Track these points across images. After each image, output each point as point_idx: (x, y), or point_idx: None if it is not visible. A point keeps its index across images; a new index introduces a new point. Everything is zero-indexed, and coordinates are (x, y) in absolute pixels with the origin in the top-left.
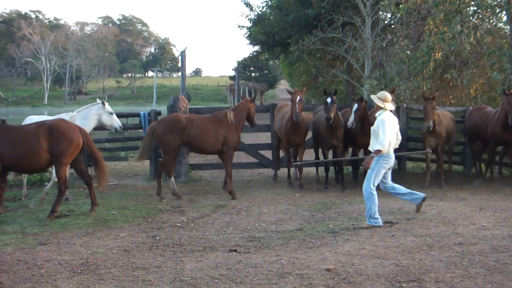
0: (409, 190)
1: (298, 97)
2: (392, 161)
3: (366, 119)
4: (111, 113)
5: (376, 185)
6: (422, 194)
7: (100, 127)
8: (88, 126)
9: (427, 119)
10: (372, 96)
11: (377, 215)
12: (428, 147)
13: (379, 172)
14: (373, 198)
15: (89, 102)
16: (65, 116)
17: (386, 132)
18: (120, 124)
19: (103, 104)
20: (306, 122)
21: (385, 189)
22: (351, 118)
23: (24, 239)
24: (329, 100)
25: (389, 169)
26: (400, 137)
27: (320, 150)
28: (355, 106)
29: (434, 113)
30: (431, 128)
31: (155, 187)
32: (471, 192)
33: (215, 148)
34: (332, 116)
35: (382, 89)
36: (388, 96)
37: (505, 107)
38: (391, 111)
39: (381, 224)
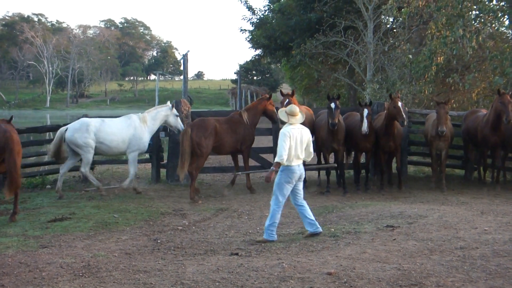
0: (313, 218)
1: (287, 100)
2: (295, 175)
3: (370, 124)
4: (177, 116)
5: (282, 200)
6: (319, 229)
7: None
8: (155, 126)
9: (440, 124)
10: (280, 110)
11: (272, 229)
12: (435, 151)
13: (283, 187)
14: (274, 214)
15: (90, 105)
16: (135, 116)
17: (284, 146)
18: (183, 126)
19: (172, 106)
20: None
21: (294, 204)
22: (365, 124)
23: (25, 241)
24: (333, 105)
25: (298, 182)
26: (311, 151)
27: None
28: (366, 111)
29: (447, 117)
30: (444, 133)
31: (157, 190)
32: (472, 196)
33: (235, 148)
34: (336, 122)
35: (390, 92)
36: (295, 110)
37: (499, 106)
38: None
39: (275, 239)
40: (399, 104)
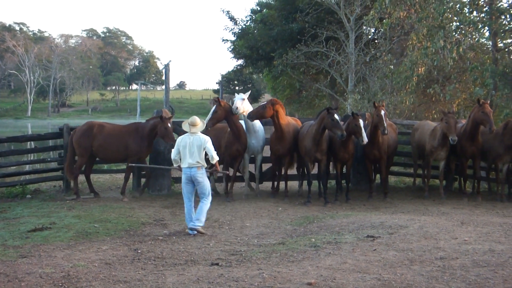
0: (197, 217)
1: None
2: (185, 176)
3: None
4: None
5: (184, 198)
6: (200, 225)
7: None
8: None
9: (451, 133)
10: (183, 122)
11: (187, 222)
12: (435, 160)
13: (183, 186)
14: (186, 209)
15: (72, 115)
16: None
17: (173, 150)
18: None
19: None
20: (292, 134)
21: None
22: (365, 135)
23: (5, 251)
24: (337, 117)
25: (196, 183)
26: (211, 154)
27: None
28: (361, 122)
29: (456, 127)
30: (455, 142)
31: (138, 200)
32: (453, 207)
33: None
34: (345, 133)
35: (374, 101)
36: (195, 120)
37: (480, 116)
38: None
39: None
40: (382, 112)
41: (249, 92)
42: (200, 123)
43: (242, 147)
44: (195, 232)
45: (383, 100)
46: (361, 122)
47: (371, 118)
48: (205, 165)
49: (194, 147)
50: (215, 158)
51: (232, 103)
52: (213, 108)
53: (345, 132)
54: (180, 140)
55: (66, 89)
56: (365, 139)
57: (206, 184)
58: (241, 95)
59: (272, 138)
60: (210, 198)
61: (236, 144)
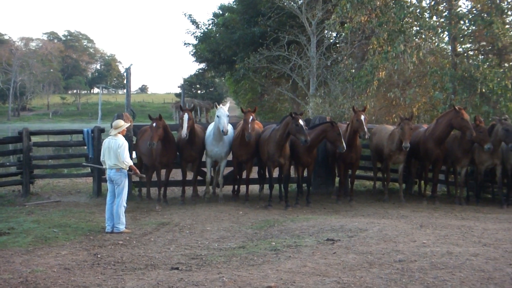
0: (117, 220)
1: (251, 117)
2: (107, 176)
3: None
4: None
5: (107, 196)
6: (122, 228)
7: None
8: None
9: (404, 139)
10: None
11: (107, 221)
12: (394, 164)
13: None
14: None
15: (32, 119)
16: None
17: (101, 152)
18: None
19: None
20: (256, 139)
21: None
22: (343, 142)
23: None
24: (302, 122)
25: (115, 184)
26: (123, 159)
27: (266, 167)
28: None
29: (411, 133)
30: (408, 148)
31: (98, 204)
32: (412, 210)
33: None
34: (309, 139)
35: (353, 105)
36: (118, 123)
37: (461, 122)
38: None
39: (107, 230)
40: (362, 117)
41: (228, 103)
42: (121, 125)
43: (196, 152)
44: (111, 230)
45: (343, 104)
46: (340, 129)
47: (350, 122)
48: (124, 167)
49: (112, 150)
50: (126, 162)
51: (192, 108)
52: (186, 116)
53: (309, 138)
54: (103, 143)
55: (27, 92)
56: (345, 147)
57: (122, 185)
58: (225, 110)
59: (236, 144)
60: (123, 198)
61: (189, 149)
